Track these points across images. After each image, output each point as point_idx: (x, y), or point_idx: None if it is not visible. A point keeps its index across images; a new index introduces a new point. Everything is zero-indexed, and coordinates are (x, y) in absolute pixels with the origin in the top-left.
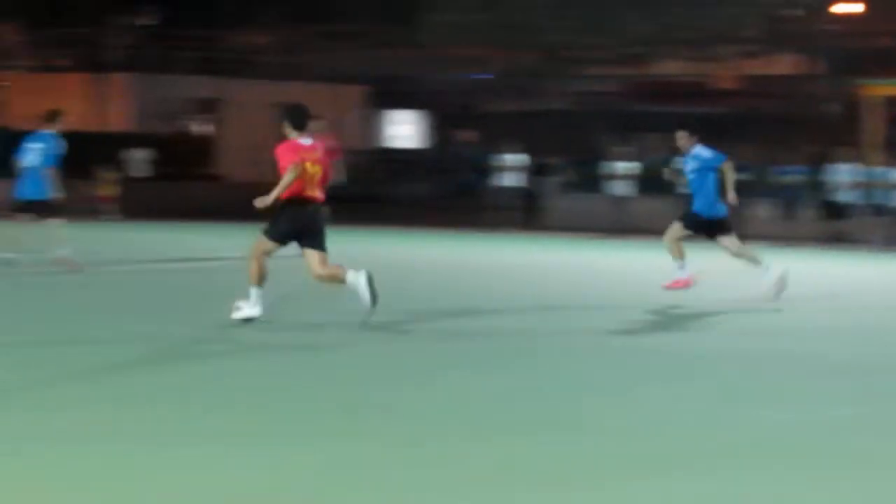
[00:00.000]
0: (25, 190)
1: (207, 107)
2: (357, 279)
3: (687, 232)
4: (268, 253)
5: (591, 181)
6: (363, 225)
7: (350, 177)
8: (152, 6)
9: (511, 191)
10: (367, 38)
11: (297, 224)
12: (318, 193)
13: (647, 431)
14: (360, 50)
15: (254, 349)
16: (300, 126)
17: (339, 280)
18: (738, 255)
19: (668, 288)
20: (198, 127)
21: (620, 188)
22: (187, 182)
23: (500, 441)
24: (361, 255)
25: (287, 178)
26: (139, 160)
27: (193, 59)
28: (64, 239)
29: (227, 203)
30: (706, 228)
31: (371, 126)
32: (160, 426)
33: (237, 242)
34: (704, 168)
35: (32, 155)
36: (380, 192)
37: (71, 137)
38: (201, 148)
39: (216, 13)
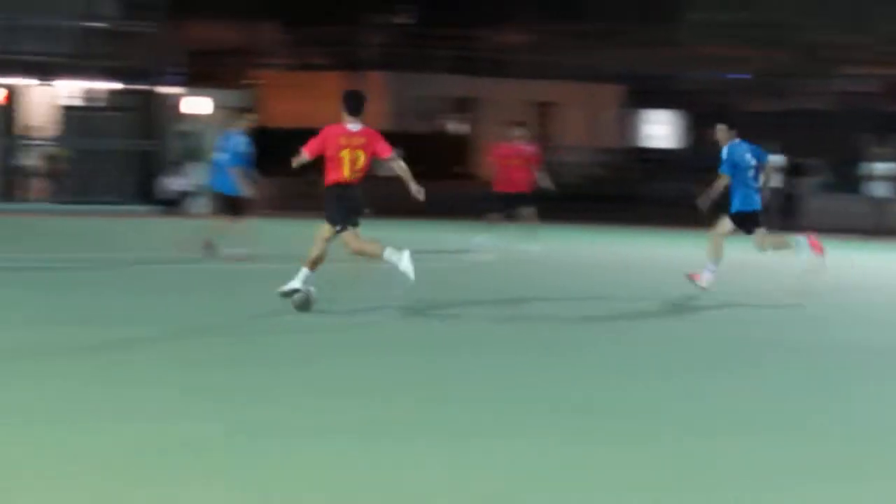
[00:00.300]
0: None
1: (463, 106)
2: (395, 255)
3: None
4: (327, 239)
5: (849, 182)
6: (618, 224)
7: (604, 176)
8: (409, 5)
9: (768, 191)
10: (624, 36)
11: (343, 205)
12: (355, 177)
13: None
14: (616, 49)
15: (485, 343)
16: (354, 111)
17: (375, 254)
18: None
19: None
20: (453, 126)
21: (880, 189)
22: (441, 181)
23: (726, 441)
24: (614, 253)
25: (299, 160)
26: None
27: (449, 58)
28: (244, 236)
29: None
30: None
31: (627, 125)
32: (383, 420)
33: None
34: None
35: (225, 153)
36: (635, 192)
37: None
38: (456, 147)
39: (472, 12)
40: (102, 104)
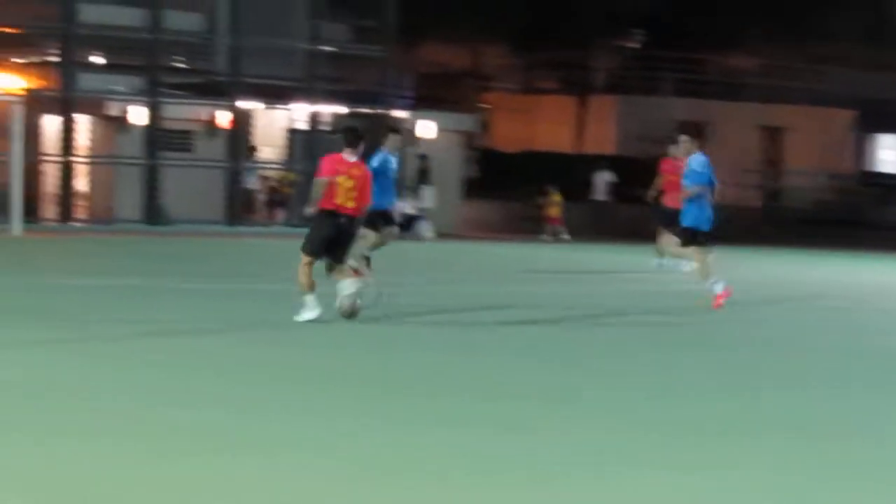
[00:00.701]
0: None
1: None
2: (352, 286)
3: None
4: (308, 265)
5: None
6: (846, 248)
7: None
8: (637, 29)
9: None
10: (857, 60)
11: (324, 233)
12: (349, 205)
13: None
14: (849, 72)
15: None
16: (350, 144)
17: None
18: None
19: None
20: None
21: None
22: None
23: None
24: (842, 278)
25: (314, 188)
26: (604, 182)
27: (677, 82)
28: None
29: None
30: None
31: (857, 149)
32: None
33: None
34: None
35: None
36: (865, 217)
37: (548, 158)
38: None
39: (701, 35)
40: (330, 127)
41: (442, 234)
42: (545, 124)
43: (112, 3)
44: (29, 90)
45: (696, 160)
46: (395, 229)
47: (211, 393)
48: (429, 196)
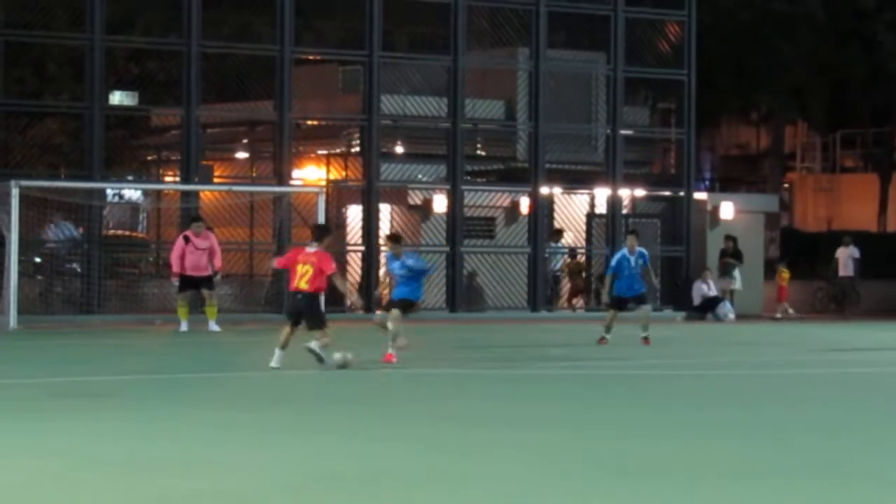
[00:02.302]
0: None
1: None
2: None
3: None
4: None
5: None
6: None
7: None
8: None
9: None
10: None
11: (288, 307)
12: (303, 286)
13: None
14: None
15: None
16: (316, 238)
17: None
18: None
19: None
20: None
21: None
22: None
23: None
24: None
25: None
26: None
27: None
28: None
29: None
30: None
31: None
32: None
33: None
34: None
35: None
36: None
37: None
38: None
39: None
40: (631, 211)
41: (744, 315)
42: (848, 203)
43: (413, 93)
44: (332, 181)
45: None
46: (647, 307)
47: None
48: (737, 277)
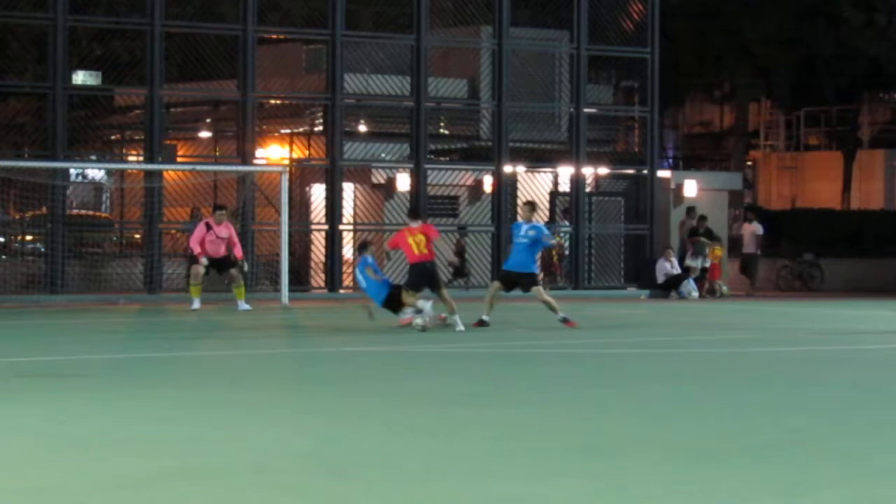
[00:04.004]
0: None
1: None
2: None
3: None
4: None
5: None
6: None
7: None
8: None
9: None
10: None
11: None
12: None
13: None
14: None
15: None
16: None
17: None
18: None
19: None
20: None
21: None
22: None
23: None
24: None
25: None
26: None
27: None
28: None
29: None
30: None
31: None
32: None
33: None
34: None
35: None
36: None
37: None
38: None
39: None
40: (594, 189)
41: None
42: (812, 181)
43: (376, 72)
44: (296, 160)
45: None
46: (537, 289)
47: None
48: (706, 256)
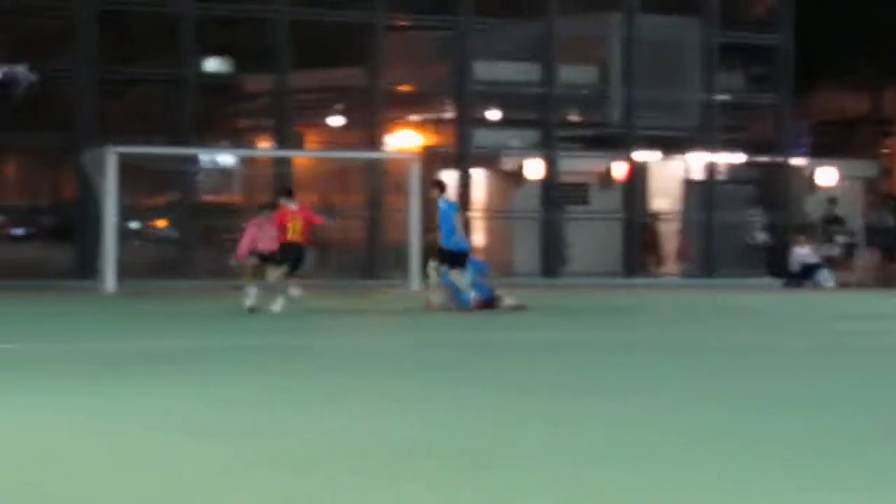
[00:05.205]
0: None
1: None
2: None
3: None
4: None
5: None
6: None
7: None
8: None
9: None
10: None
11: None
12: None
13: None
14: None
15: None
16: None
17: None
18: None
19: None
20: None
21: None
22: None
23: None
24: None
25: None
26: None
27: None
28: None
29: None
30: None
31: None
32: None
33: None
34: None
35: None
36: None
37: None
38: None
39: None
40: (726, 177)
41: (845, 284)
42: None
43: (506, 59)
44: (425, 147)
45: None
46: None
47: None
48: (839, 244)
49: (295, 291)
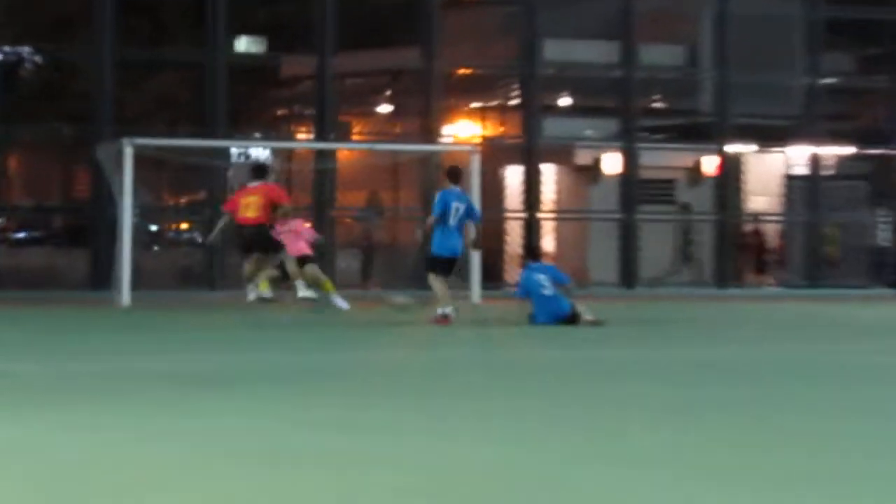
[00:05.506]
0: None
1: None
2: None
3: None
4: None
5: None
6: None
7: None
8: None
9: None
10: None
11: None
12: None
13: None
14: None
15: None
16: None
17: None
18: None
19: None
20: None
21: None
22: None
23: None
24: None
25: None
26: None
27: None
28: None
29: None
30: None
31: None
32: None
33: None
34: None
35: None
36: None
37: None
38: None
39: None
40: (833, 172)
41: None
42: None
43: (580, 37)
44: (488, 138)
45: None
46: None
47: None
48: None
49: (342, 303)
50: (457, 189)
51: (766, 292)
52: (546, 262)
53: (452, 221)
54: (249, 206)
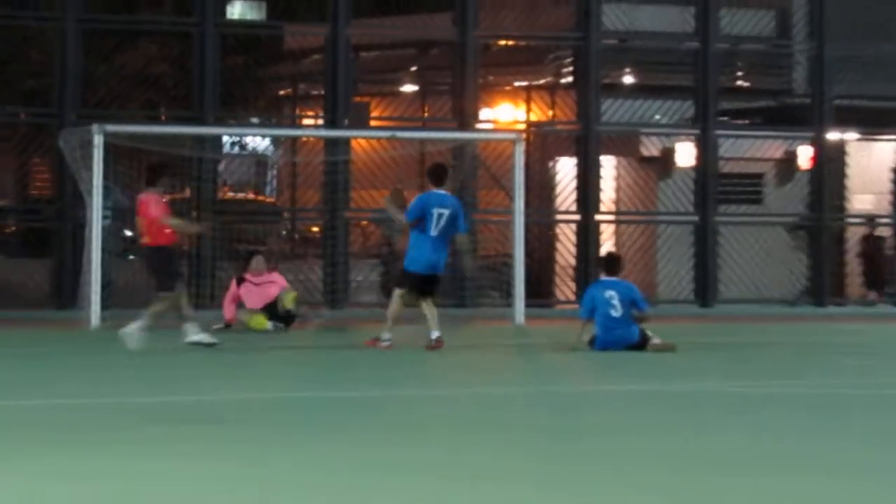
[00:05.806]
0: None
1: None
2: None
3: None
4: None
5: None
6: None
7: None
8: None
9: None
10: None
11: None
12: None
13: None
14: None
15: None
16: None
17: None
18: None
19: None
20: None
21: None
22: None
23: None
24: None
25: None
26: None
27: None
28: None
29: None
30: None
31: None
32: None
33: None
34: None
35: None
36: None
37: None
38: None
39: None
40: None
41: None
42: None
43: (647, 2)
44: (535, 123)
45: None
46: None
47: None
48: None
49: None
50: (441, 192)
51: (874, 311)
52: (622, 278)
53: (433, 231)
54: (141, 226)
